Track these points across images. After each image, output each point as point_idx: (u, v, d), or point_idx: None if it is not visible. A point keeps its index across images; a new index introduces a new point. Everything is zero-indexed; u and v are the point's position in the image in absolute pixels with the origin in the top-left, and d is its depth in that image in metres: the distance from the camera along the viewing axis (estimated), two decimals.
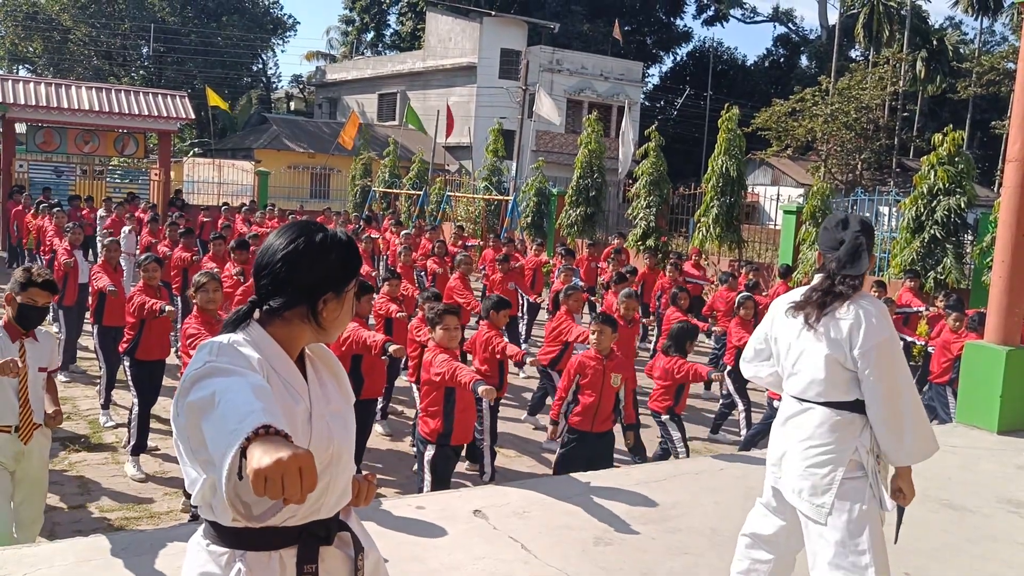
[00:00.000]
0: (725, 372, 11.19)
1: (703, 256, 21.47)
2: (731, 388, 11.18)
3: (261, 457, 2.00)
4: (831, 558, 4.18)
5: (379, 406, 10.63)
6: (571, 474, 7.97)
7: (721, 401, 11.86)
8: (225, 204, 26.42)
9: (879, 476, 4.26)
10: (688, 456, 9.27)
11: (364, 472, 3.10)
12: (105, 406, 10.75)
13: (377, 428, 10.61)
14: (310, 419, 2.65)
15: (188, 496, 7.77)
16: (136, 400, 9.25)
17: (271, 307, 2.67)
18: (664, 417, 9.31)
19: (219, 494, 2.49)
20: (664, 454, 9.64)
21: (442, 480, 7.25)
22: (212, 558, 2.62)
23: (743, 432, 10.90)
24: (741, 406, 11.07)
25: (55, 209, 16.85)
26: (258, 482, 1.99)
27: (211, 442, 2.22)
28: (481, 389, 6.67)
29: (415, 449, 10.27)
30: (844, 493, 4.20)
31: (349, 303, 2.79)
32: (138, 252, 16.53)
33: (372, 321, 10.38)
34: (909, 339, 12.82)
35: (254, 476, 1.99)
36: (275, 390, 2.55)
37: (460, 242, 21.22)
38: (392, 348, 7.74)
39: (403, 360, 11.00)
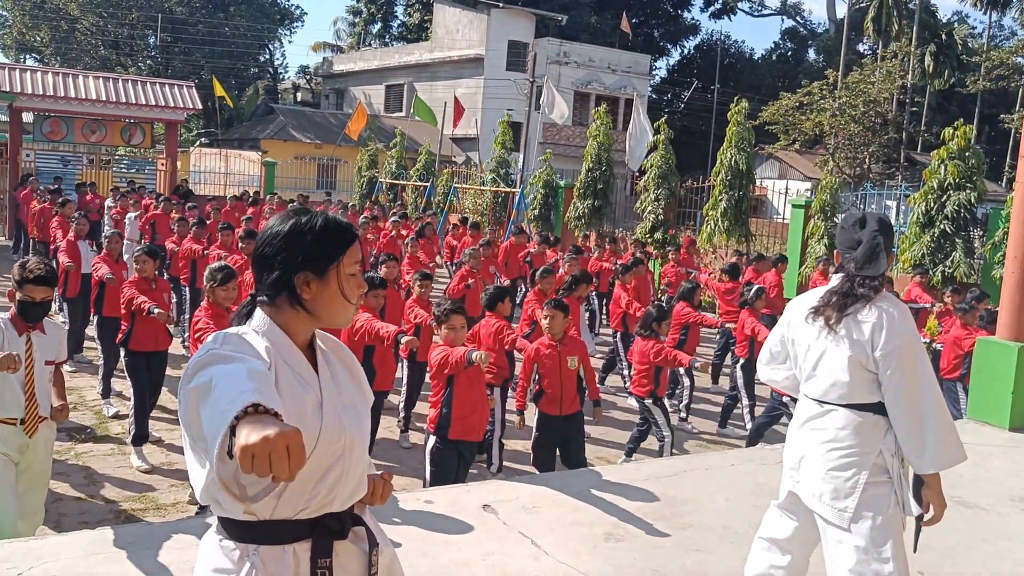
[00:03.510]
0: (738, 365, 11.14)
1: (695, 244, 21.51)
2: (740, 382, 11.11)
3: (249, 434, 1.99)
4: (852, 565, 4.09)
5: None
6: (581, 468, 7.98)
7: (727, 394, 11.81)
8: (234, 196, 26.40)
9: (904, 480, 4.19)
10: (672, 439, 9.36)
11: (380, 471, 3.05)
12: (105, 395, 10.77)
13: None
14: (320, 408, 2.64)
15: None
16: (132, 390, 9.26)
17: (263, 295, 2.71)
18: (647, 401, 9.45)
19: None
20: (640, 436, 9.84)
21: (443, 473, 7.18)
22: (224, 553, 2.60)
23: (748, 426, 10.86)
24: (746, 401, 11.00)
25: (61, 201, 16.75)
26: (245, 459, 1.98)
27: (205, 425, 2.21)
28: (475, 355, 6.69)
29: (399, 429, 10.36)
30: (868, 499, 4.10)
31: (334, 284, 2.72)
32: (143, 240, 16.48)
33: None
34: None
35: (241, 453, 1.98)
36: (283, 378, 2.57)
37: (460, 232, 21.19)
38: (405, 340, 7.70)
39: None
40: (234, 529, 2.58)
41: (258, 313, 2.69)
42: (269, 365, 2.50)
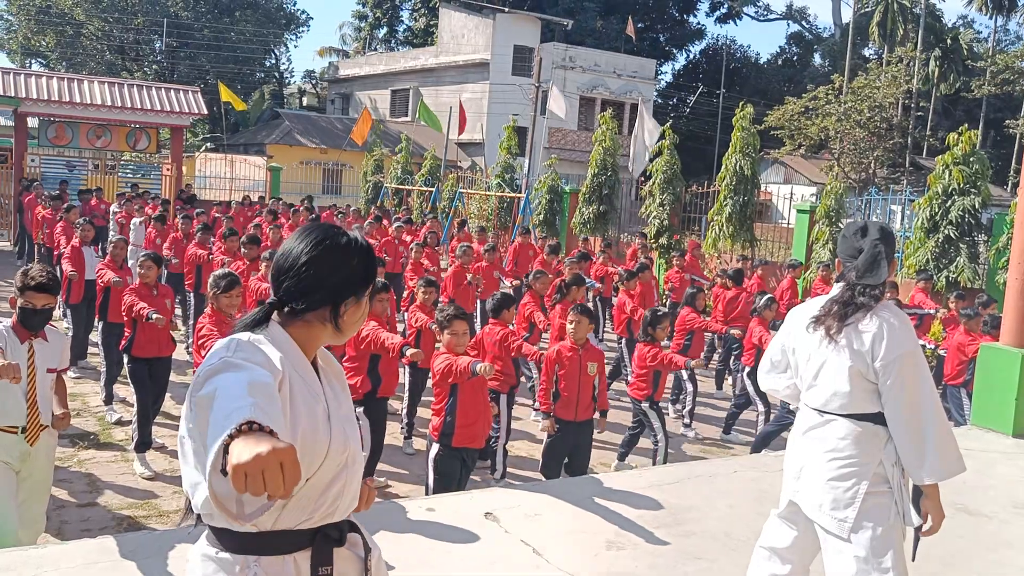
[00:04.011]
0: (744, 372, 11.12)
1: (700, 249, 21.46)
2: (750, 389, 11.06)
3: (241, 452, 1.98)
4: (852, 575, 4.10)
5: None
6: (583, 476, 7.97)
7: (733, 400, 11.79)
8: (238, 202, 26.38)
9: (904, 490, 4.18)
10: (667, 445, 9.48)
11: (365, 477, 3.07)
12: (108, 401, 10.76)
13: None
14: (329, 420, 2.66)
15: (187, 515, 7.70)
16: (135, 397, 9.26)
17: (294, 309, 2.67)
18: (644, 405, 9.57)
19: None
20: (632, 439, 9.95)
21: (447, 480, 7.19)
22: (222, 567, 2.59)
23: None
24: (761, 407, 10.93)
25: (66, 207, 16.75)
26: (238, 478, 1.96)
27: (208, 438, 2.18)
28: (479, 367, 6.68)
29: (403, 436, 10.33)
30: (868, 509, 4.08)
31: (365, 306, 2.81)
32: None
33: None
34: (920, 342, 12.68)
35: (233, 472, 1.97)
36: (298, 389, 2.58)
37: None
38: (410, 352, 7.68)
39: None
40: (232, 540, 2.57)
41: (273, 323, 2.68)
42: (283, 376, 2.50)
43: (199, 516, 2.62)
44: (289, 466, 2.00)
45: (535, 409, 11.82)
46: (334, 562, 2.70)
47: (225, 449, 2.03)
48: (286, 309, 2.69)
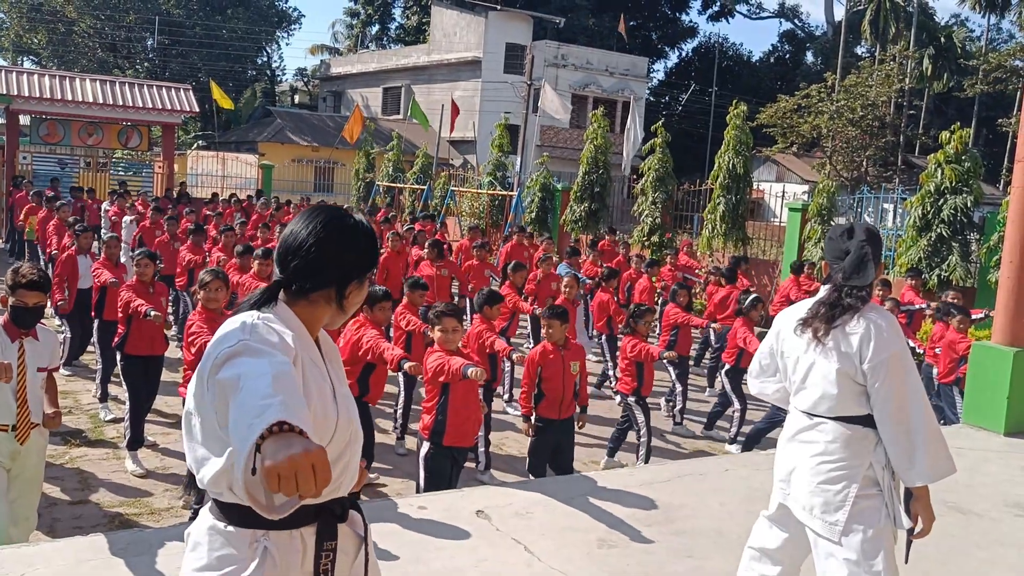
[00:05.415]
0: (723, 371, 11.18)
1: (691, 247, 21.51)
2: (727, 387, 11.15)
3: (274, 454, 2.02)
4: None
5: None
6: (574, 474, 7.97)
7: (717, 398, 11.84)
8: (225, 200, 26.21)
9: (895, 493, 4.17)
10: (650, 440, 9.50)
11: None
12: (103, 399, 10.72)
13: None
14: (335, 398, 2.73)
15: (188, 490, 7.67)
16: (128, 395, 9.23)
17: (300, 287, 2.73)
18: (631, 399, 9.61)
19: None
20: (620, 435, 9.95)
21: (438, 478, 7.16)
22: (229, 540, 2.63)
23: (732, 429, 10.97)
24: (737, 404, 11.00)
25: (59, 204, 16.68)
26: (271, 479, 2.01)
27: (231, 429, 2.23)
28: (471, 371, 6.66)
29: (396, 436, 10.33)
30: (858, 512, 4.08)
31: (366, 288, 2.88)
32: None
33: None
34: (911, 344, 12.71)
35: (267, 474, 2.01)
36: (308, 369, 2.65)
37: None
38: (408, 365, 7.63)
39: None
40: (240, 515, 2.61)
41: (280, 303, 2.73)
42: (295, 356, 2.55)
43: (200, 492, 2.66)
44: (321, 468, 2.05)
45: (505, 401, 11.91)
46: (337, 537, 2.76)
47: (256, 447, 2.08)
48: (293, 288, 2.74)
